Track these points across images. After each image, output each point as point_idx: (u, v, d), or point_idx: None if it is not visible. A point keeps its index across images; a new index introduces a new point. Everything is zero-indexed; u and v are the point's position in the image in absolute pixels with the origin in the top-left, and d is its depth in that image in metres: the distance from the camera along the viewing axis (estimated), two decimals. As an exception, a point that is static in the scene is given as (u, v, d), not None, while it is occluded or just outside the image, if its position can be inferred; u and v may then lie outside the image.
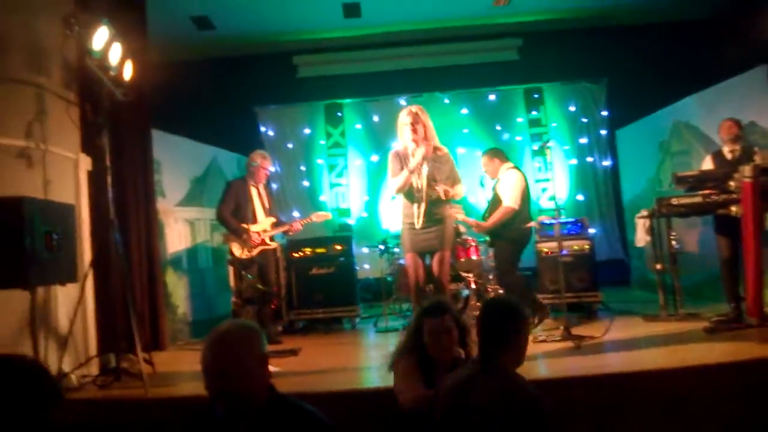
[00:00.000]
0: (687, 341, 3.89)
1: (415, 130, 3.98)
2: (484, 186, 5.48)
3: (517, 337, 2.09)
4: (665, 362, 3.38)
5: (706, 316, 4.48)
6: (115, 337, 3.91)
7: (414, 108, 4.08)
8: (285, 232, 5.12)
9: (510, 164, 5.02)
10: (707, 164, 4.69)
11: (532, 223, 5.05)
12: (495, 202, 4.91)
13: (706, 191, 4.28)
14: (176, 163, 5.73)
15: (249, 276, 4.39)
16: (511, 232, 4.75)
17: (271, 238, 4.91)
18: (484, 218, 4.98)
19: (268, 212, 4.99)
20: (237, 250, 4.76)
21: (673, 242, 4.72)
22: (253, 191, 4.92)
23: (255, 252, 4.65)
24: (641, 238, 5.01)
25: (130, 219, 4.43)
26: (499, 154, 5.10)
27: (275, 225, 4.98)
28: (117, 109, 4.09)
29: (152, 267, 4.60)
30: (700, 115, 5.91)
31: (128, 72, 4.02)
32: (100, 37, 3.58)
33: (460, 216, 5.25)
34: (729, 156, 4.53)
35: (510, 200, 4.72)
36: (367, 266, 7.56)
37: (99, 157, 3.93)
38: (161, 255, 5.26)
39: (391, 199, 4.23)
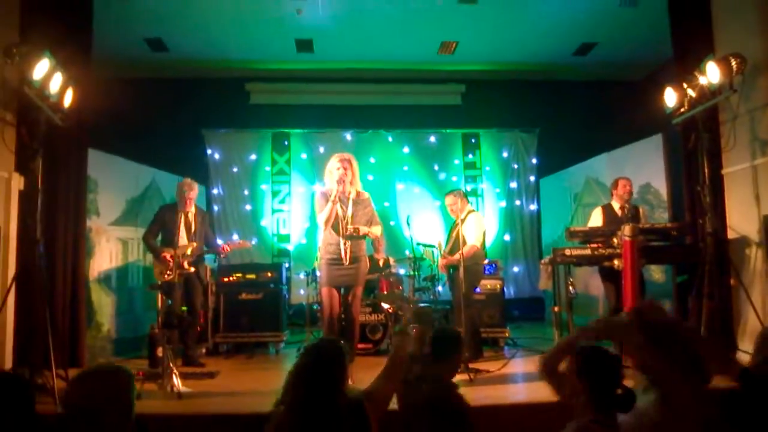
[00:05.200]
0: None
1: (345, 174, 4.34)
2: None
3: None
4: (533, 397, 3.71)
5: (594, 357, 4.93)
6: (32, 352, 4.00)
7: (346, 155, 4.47)
8: (216, 255, 5.34)
9: (470, 207, 5.53)
10: (597, 215, 5.23)
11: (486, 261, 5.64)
12: (457, 240, 5.26)
13: (594, 245, 4.79)
14: (113, 182, 5.88)
15: (169, 301, 4.58)
16: (471, 267, 5.00)
17: (190, 263, 5.05)
18: (449, 252, 5.41)
19: (193, 237, 5.15)
20: (157, 273, 4.97)
21: (570, 288, 5.17)
22: (181, 216, 5.04)
23: (172, 275, 4.74)
24: (544, 282, 5.48)
25: (58, 238, 4.58)
26: (464, 195, 5.54)
27: (196, 249, 5.13)
28: (54, 132, 4.28)
29: (76, 285, 4.73)
30: (608, 173, 6.48)
31: (68, 99, 4.24)
32: (41, 68, 3.77)
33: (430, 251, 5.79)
34: (619, 212, 5.04)
35: (475, 240, 5.21)
36: (302, 292, 7.73)
37: (31, 179, 4.10)
38: (89, 272, 5.39)
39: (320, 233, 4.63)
